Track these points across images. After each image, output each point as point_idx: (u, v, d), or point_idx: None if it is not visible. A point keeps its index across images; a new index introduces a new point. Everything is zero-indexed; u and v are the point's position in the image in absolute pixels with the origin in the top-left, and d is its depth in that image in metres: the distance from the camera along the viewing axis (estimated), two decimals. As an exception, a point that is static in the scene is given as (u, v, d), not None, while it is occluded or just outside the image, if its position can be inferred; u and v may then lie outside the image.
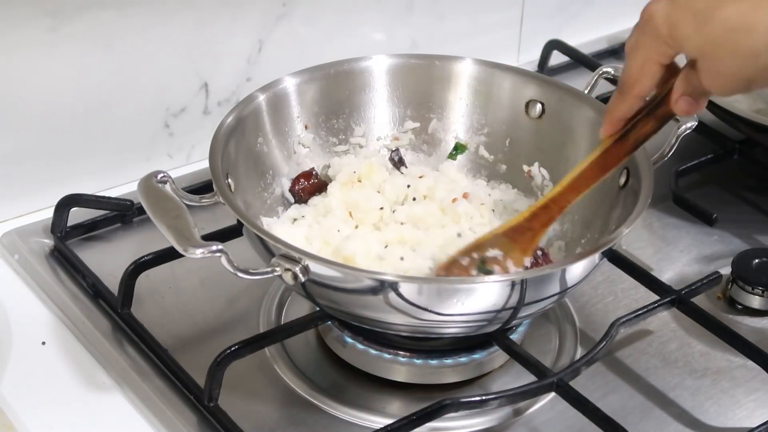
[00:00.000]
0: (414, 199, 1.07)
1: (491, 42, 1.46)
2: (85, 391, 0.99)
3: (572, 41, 1.48)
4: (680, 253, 1.19)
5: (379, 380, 1.00)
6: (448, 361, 0.99)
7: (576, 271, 0.92)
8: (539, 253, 0.99)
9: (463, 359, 0.99)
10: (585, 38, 1.54)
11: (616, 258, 1.08)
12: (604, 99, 1.27)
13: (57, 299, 1.07)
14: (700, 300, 1.07)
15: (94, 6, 1.14)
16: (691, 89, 0.87)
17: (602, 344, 0.99)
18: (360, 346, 0.99)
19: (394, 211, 1.05)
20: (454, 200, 1.05)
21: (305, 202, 1.08)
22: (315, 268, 0.88)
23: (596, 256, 0.92)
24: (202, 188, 1.14)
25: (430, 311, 0.89)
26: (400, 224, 1.03)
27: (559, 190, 0.97)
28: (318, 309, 0.98)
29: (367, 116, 1.13)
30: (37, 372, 1.00)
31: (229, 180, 0.98)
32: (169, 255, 1.05)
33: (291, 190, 1.08)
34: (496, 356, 1.01)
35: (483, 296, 0.89)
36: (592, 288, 1.12)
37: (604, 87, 1.19)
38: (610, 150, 0.95)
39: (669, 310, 1.07)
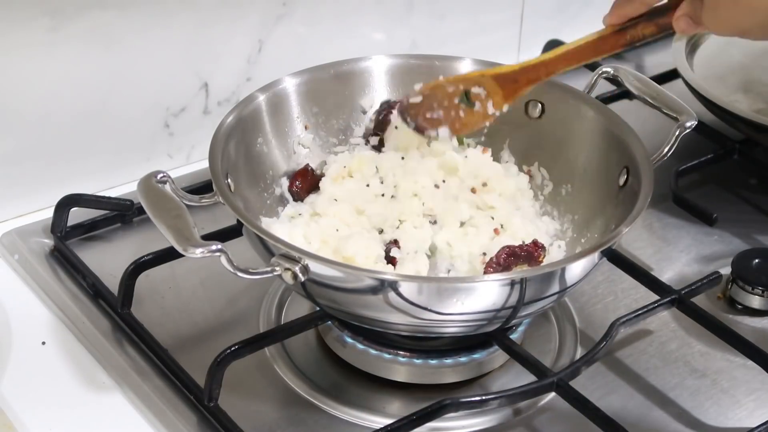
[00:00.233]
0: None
1: (491, 42, 1.46)
2: (85, 391, 0.99)
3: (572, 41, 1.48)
4: (680, 253, 1.19)
5: (379, 380, 1.00)
6: (448, 360, 0.99)
7: (576, 270, 0.92)
8: (530, 241, 0.99)
9: (463, 359, 0.99)
10: (585, 38, 1.54)
11: (616, 258, 1.08)
12: (604, 99, 1.28)
13: (57, 299, 1.07)
14: (700, 300, 1.07)
15: (94, 6, 1.14)
16: (694, 14, 0.92)
17: (602, 344, 0.99)
18: (360, 346, 0.99)
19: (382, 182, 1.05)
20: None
21: (303, 200, 1.08)
22: (315, 267, 0.88)
23: (596, 255, 0.92)
24: (202, 188, 1.14)
25: (430, 310, 0.89)
26: (390, 198, 1.03)
27: (551, 56, 1.02)
28: (318, 309, 0.98)
29: (367, 116, 1.13)
30: (37, 372, 1.00)
31: (229, 180, 0.98)
32: (169, 255, 1.05)
33: (290, 190, 1.08)
34: (496, 356, 1.01)
35: (483, 295, 0.89)
36: (592, 288, 1.12)
37: (604, 87, 1.19)
38: (607, 38, 0.99)
39: (669, 310, 1.07)
